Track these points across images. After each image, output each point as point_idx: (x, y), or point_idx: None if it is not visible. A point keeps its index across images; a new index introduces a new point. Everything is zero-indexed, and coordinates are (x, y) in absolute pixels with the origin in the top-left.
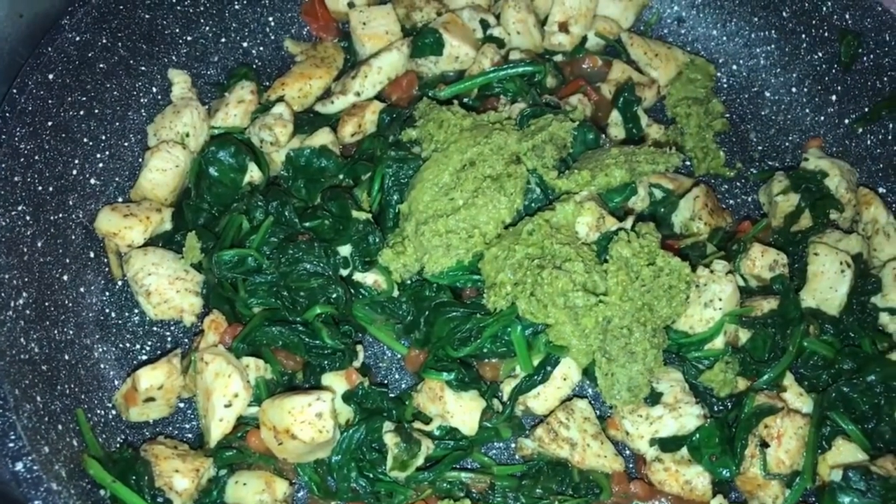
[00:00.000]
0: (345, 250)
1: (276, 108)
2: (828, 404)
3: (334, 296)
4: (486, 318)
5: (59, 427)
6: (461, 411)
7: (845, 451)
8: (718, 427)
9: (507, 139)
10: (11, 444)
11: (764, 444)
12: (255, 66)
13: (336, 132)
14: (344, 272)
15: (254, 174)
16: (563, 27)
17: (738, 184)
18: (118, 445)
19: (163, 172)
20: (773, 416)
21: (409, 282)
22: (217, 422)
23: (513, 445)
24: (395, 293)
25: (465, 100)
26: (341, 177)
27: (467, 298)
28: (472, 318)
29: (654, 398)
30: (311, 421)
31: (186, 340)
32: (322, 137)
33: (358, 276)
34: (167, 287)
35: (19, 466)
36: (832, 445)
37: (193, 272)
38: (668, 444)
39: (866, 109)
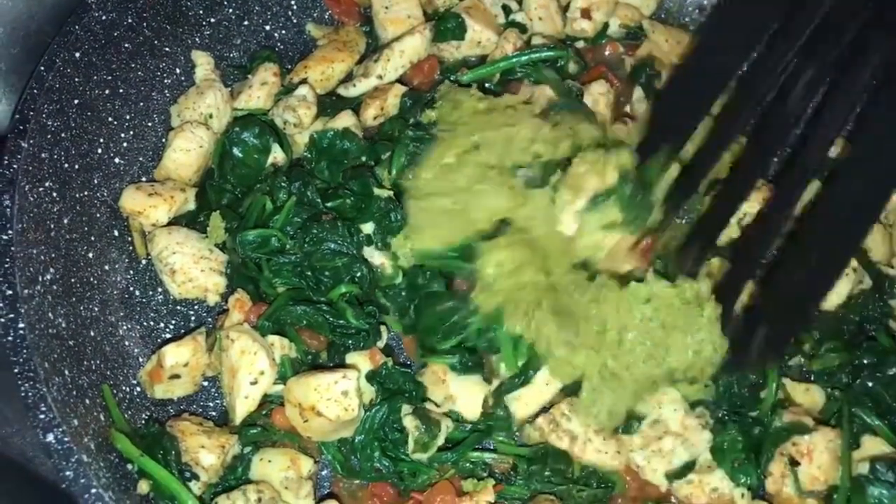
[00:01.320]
0: (367, 228)
1: (299, 89)
2: (853, 400)
3: (359, 275)
4: (474, 312)
5: (87, 401)
6: (464, 395)
7: (872, 447)
8: (742, 433)
9: (519, 131)
10: (42, 416)
11: (794, 463)
12: (277, 50)
13: (358, 115)
14: (367, 249)
15: (277, 155)
16: (586, 13)
17: None
18: (143, 422)
19: (186, 153)
20: (801, 434)
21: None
22: (242, 399)
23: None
24: (398, 280)
25: (487, 85)
26: (364, 159)
27: (458, 288)
28: (459, 311)
29: (657, 426)
30: (336, 398)
31: (210, 320)
32: (345, 120)
33: (366, 253)
34: (192, 266)
35: (50, 437)
36: (860, 443)
37: (217, 252)
38: (682, 472)
39: None
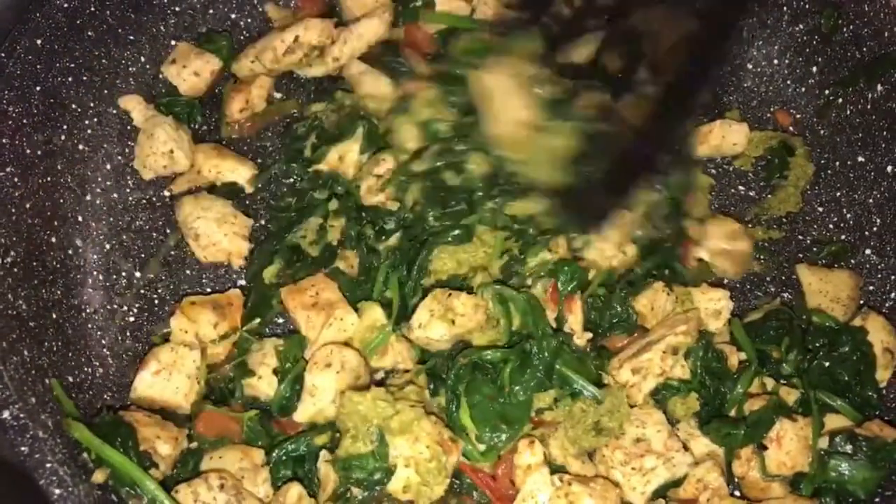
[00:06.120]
0: None
1: None
2: (813, 383)
3: None
4: None
5: (46, 381)
6: None
7: (833, 423)
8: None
9: None
10: None
11: (762, 448)
12: (242, 38)
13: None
14: None
15: None
16: None
17: None
18: (99, 406)
19: None
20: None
21: None
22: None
23: None
24: None
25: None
26: None
27: None
28: None
29: (640, 444)
30: None
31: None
32: None
33: None
34: (215, 230)
35: (6, 414)
36: (823, 423)
37: (242, 217)
38: (660, 491)
39: (846, 74)
